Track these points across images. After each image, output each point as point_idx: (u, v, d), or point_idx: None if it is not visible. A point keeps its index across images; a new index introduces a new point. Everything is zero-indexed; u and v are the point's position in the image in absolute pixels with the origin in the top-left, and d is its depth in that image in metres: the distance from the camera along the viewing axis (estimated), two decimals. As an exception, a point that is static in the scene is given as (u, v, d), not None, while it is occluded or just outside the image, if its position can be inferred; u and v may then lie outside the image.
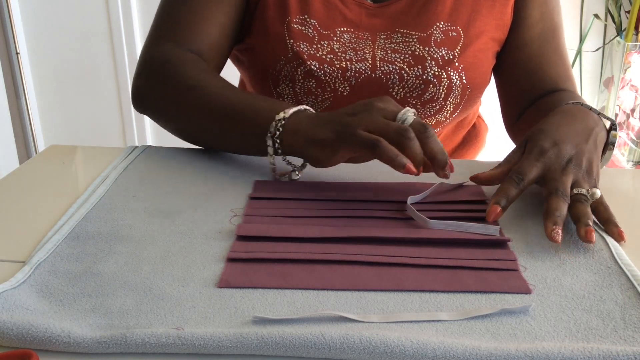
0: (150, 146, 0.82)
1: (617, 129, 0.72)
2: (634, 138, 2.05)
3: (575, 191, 0.61)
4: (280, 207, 0.64)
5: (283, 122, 0.67)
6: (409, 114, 0.63)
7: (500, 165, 0.67)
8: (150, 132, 2.32)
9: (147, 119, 2.28)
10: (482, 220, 0.61)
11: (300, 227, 0.59)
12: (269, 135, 0.68)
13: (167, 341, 0.43)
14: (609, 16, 2.06)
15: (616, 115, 2.05)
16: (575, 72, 2.13)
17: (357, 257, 0.54)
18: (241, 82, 1.04)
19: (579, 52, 2.10)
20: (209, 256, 0.55)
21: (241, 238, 0.58)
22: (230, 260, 0.54)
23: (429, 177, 0.73)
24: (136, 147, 0.81)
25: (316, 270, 0.52)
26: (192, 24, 0.83)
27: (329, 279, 0.51)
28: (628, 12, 1.99)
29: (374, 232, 0.58)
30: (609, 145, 0.72)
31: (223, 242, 0.57)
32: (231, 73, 0.96)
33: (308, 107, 0.70)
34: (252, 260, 0.54)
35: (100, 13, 2.14)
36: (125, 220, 0.61)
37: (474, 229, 0.59)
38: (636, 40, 1.96)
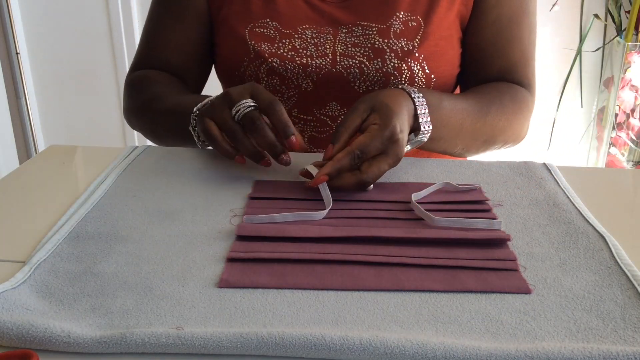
0: (150, 146, 0.82)
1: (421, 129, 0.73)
2: (634, 138, 2.05)
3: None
4: (280, 207, 0.64)
5: (197, 113, 0.75)
6: (242, 107, 0.69)
7: (341, 132, 0.68)
8: (150, 132, 2.32)
9: (147, 119, 2.28)
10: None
11: (299, 227, 0.59)
12: (190, 127, 0.77)
13: (167, 341, 0.43)
14: (609, 16, 2.06)
15: (616, 115, 2.05)
16: (575, 72, 2.13)
17: (357, 257, 0.54)
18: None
19: (579, 52, 2.10)
20: (209, 256, 0.55)
21: (241, 238, 0.58)
22: (230, 260, 0.54)
23: (429, 178, 0.73)
24: (136, 147, 0.81)
25: (316, 270, 0.52)
26: (157, 51, 0.93)
27: (329, 279, 0.51)
28: (628, 12, 1.99)
29: (374, 232, 0.58)
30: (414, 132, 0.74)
31: (223, 242, 0.57)
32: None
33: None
34: (252, 260, 0.54)
35: (100, 13, 2.14)
36: (125, 220, 0.61)
37: (477, 225, 0.59)
38: (636, 40, 1.96)
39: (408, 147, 0.74)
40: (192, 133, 0.77)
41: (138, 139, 2.30)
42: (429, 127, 0.74)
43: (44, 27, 2.17)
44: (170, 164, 0.76)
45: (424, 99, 0.74)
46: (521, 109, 0.88)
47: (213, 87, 1.07)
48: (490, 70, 0.90)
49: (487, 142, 0.86)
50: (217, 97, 0.72)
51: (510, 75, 0.90)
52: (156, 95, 0.86)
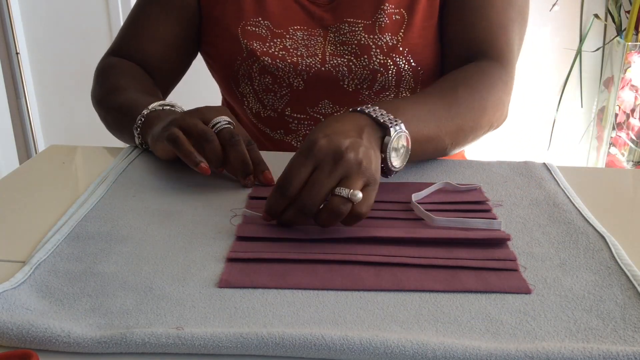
0: (150, 146, 0.82)
1: (391, 134, 0.63)
2: (634, 138, 2.05)
3: (336, 191, 0.56)
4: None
5: (143, 118, 0.76)
6: (222, 121, 0.69)
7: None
8: (150, 132, 2.32)
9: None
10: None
11: (300, 228, 0.59)
12: (134, 127, 0.77)
13: (167, 341, 0.43)
14: (609, 16, 2.06)
15: (616, 115, 2.05)
16: (575, 72, 2.13)
17: (357, 257, 0.54)
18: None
19: (579, 52, 2.10)
20: (209, 256, 0.55)
21: (241, 238, 0.58)
22: (230, 260, 0.54)
23: (429, 177, 0.73)
24: (136, 147, 0.81)
25: (316, 270, 0.52)
26: (137, 38, 0.93)
27: (329, 279, 0.51)
28: (628, 12, 1.99)
29: (374, 232, 0.58)
30: (386, 147, 0.63)
31: (223, 242, 0.57)
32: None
33: (170, 103, 0.78)
34: (252, 260, 0.54)
35: (100, 13, 2.14)
36: (125, 220, 0.61)
37: (477, 225, 0.59)
38: (636, 40, 1.96)
39: (395, 161, 0.65)
40: (134, 133, 0.77)
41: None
42: (391, 118, 0.63)
43: (44, 27, 2.17)
44: (171, 164, 0.76)
45: (373, 106, 0.65)
46: (496, 86, 0.80)
47: (206, 88, 1.07)
48: (459, 47, 0.84)
49: (474, 129, 0.77)
50: (188, 111, 0.72)
51: (478, 47, 0.84)
52: (117, 87, 0.85)
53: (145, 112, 0.76)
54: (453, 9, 0.85)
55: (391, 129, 0.63)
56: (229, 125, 0.69)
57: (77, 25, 2.16)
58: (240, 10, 0.89)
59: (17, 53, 2.15)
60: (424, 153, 0.73)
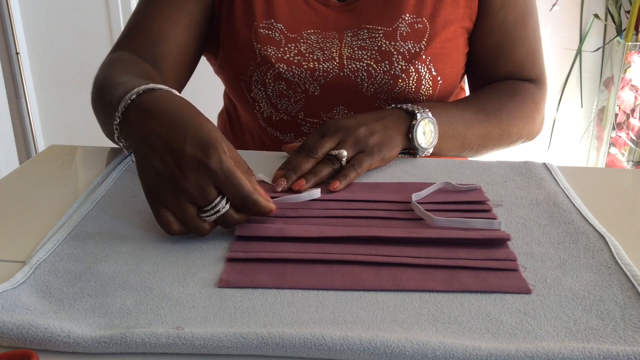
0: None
1: (417, 117, 0.76)
2: (634, 138, 2.05)
3: (330, 153, 0.71)
4: (279, 207, 0.64)
5: (123, 111, 0.61)
6: (220, 207, 0.56)
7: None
8: (150, 132, 2.32)
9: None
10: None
11: (300, 227, 0.59)
12: (114, 125, 0.63)
13: (167, 341, 0.43)
14: (609, 16, 2.06)
15: (616, 115, 2.05)
16: (575, 72, 2.13)
17: (357, 257, 0.54)
18: (225, 92, 1.05)
19: (579, 52, 2.10)
20: (209, 256, 0.55)
21: (241, 238, 0.58)
22: (230, 260, 0.54)
23: (429, 177, 0.73)
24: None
25: (316, 270, 0.52)
26: (148, 32, 0.84)
27: (329, 279, 0.51)
28: (628, 12, 1.99)
29: (374, 232, 0.58)
30: (411, 135, 0.76)
31: (223, 242, 0.57)
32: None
33: (160, 86, 0.62)
34: (251, 260, 0.54)
35: (100, 13, 2.14)
36: (125, 220, 0.61)
37: (477, 225, 0.59)
38: (636, 40, 1.96)
39: (422, 141, 0.77)
40: (115, 132, 0.63)
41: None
42: (419, 108, 0.77)
43: (44, 27, 2.17)
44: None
45: (405, 104, 0.79)
46: (527, 102, 0.89)
47: (205, 88, 1.07)
48: (498, 72, 0.92)
49: (502, 136, 0.87)
50: (171, 181, 0.55)
51: (518, 74, 0.92)
52: (113, 75, 0.73)
53: (127, 97, 0.61)
54: (492, 40, 0.91)
55: (417, 114, 0.76)
56: (224, 209, 0.56)
57: (77, 25, 2.16)
58: (250, 12, 0.87)
59: (17, 53, 2.15)
60: (452, 148, 0.83)
